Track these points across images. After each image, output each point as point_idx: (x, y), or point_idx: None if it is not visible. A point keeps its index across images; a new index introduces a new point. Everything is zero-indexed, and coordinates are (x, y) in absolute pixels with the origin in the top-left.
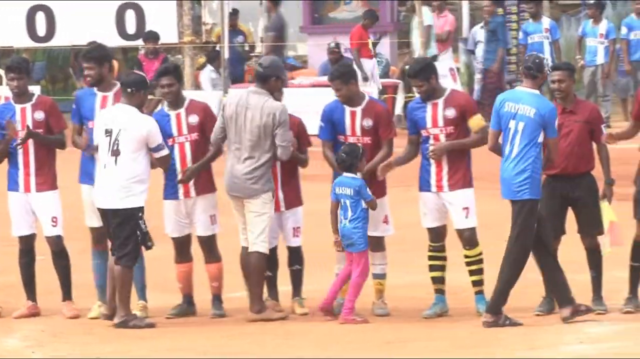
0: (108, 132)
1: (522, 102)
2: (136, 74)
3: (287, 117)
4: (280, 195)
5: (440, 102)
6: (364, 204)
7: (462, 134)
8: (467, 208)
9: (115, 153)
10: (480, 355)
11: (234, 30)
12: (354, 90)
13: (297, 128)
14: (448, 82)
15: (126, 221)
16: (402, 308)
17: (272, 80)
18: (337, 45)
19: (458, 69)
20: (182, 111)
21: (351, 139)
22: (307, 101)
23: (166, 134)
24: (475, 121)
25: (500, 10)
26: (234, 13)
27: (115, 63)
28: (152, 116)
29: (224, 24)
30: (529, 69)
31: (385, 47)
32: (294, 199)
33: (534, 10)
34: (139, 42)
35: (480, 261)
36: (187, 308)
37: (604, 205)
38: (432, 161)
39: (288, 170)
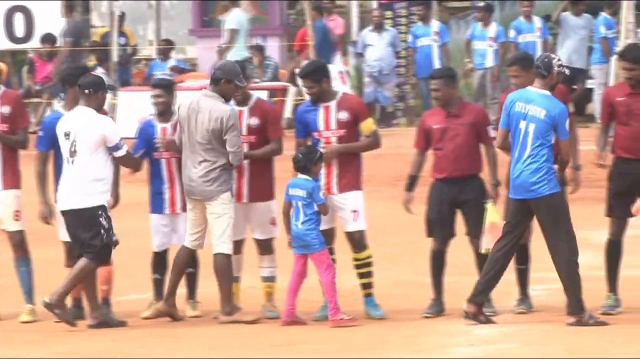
0: (67, 135)
1: (532, 102)
2: (93, 76)
3: (235, 121)
4: (179, 196)
5: (333, 105)
6: (315, 207)
7: (353, 137)
8: (356, 211)
9: (73, 154)
10: (369, 357)
11: (118, 32)
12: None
13: (268, 116)
14: (337, 85)
15: (88, 222)
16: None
17: (223, 83)
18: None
19: (348, 72)
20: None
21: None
22: None
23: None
24: (367, 125)
25: (389, 14)
26: (121, 16)
27: (3, 66)
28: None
29: (113, 27)
30: (537, 68)
31: (274, 50)
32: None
33: (423, 13)
34: (29, 45)
35: (370, 264)
36: (76, 311)
37: (488, 206)
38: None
39: (258, 162)
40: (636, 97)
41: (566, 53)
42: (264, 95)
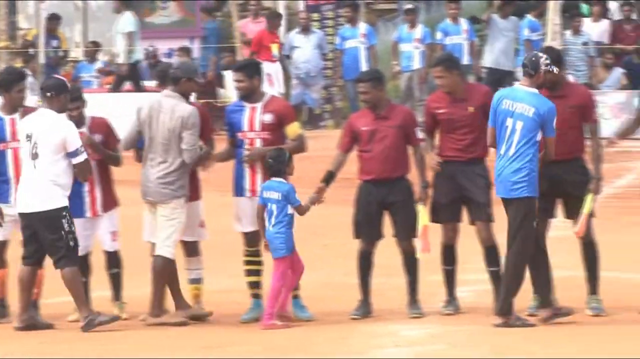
0: (28, 137)
1: (520, 100)
2: (56, 79)
3: (196, 120)
4: (99, 197)
5: (259, 106)
6: (290, 210)
7: (278, 140)
8: None
9: (34, 157)
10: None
11: (50, 35)
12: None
13: (202, 118)
14: (265, 87)
15: (51, 224)
16: (220, 312)
17: (183, 82)
18: (154, 50)
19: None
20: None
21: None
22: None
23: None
24: (293, 129)
25: (316, 16)
26: (56, 18)
27: None
28: None
29: (41, 29)
30: (525, 66)
31: (199, 52)
32: (110, 201)
33: (350, 15)
34: None
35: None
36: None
37: (420, 208)
38: (246, 166)
39: (102, 171)
40: (554, 101)
41: (494, 55)
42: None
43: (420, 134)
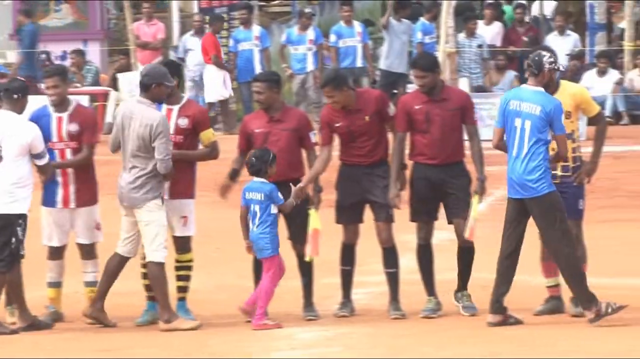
0: None
1: (526, 100)
2: (20, 81)
3: (165, 128)
4: (72, 191)
5: (176, 109)
6: (273, 209)
7: (192, 144)
8: (185, 217)
9: None
10: None
11: None
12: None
13: (86, 122)
14: (221, 90)
15: (5, 227)
16: (118, 315)
17: (153, 88)
18: (47, 54)
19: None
20: (65, 115)
21: (58, 145)
22: None
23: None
24: (207, 135)
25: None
26: None
27: None
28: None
29: None
30: (529, 66)
31: (95, 54)
32: (87, 196)
33: (246, 17)
34: None
35: (189, 268)
36: None
37: (311, 212)
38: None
39: (81, 168)
40: (433, 104)
41: (389, 58)
42: (84, 100)
43: (314, 138)
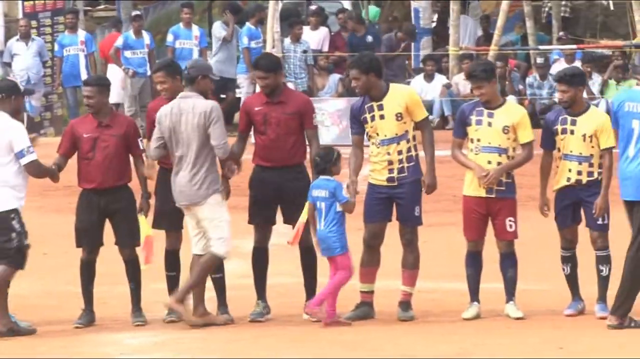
0: None
1: None
2: (7, 81)
3: (219, 113)
4: None
5: None
6: (338, 207)
7: None
8: None
9: None
10: None
11: None
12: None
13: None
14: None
15: (1, 225)
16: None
17: (199, 80)
18: None
19: None
20: None
21: None
22: None
23: None
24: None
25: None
26: None
27: None
28: None
29: None
30: (636, 67)
31: None
32: None
33: (72, 22)
34: None
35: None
36: None
37: (141, 218)
38: None
39: None
40: (272, 106)
41: (217, 63)
42: None
43: (142, 145)
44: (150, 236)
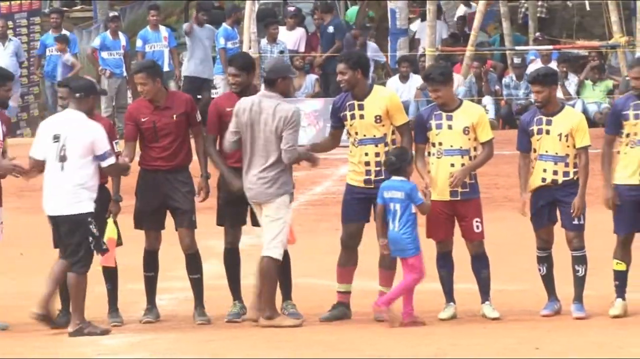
0: (56, 138)
1: None
2: (85, 79)
3: (297, 119)
4: None
5: None
6: (413, 209)
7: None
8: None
9: (62, 159)
10: None
11: None
12: None
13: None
14: None
15: (76, 227)
16: None
17: (279, 82)
18: None
19: None
20: None
21: None
22: None
23: None
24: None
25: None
26: None
27: None
28: None
29: None
30: None
31: None
32: None
33: (57, 22)
34: None
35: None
36: None
37: (109, 221)
38: None
39: None
40: None
41: (194, 63)
42: None
43: (117, 148)
44: (112, 238)
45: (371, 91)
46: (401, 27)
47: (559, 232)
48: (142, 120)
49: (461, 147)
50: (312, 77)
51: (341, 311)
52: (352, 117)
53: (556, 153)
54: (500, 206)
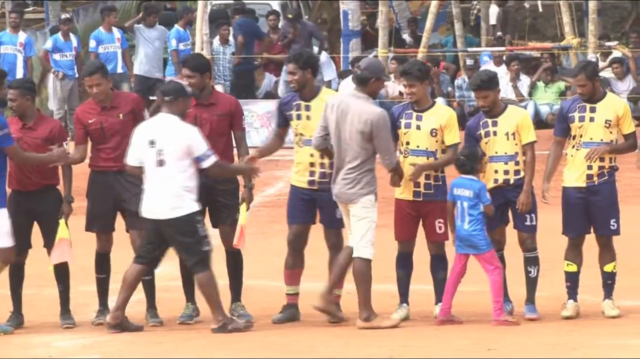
0: (152, 143)
1: None
2: (174, 82)
3: (385, 122)
4: None
5: None
6: (482, 208)
7: None
8: None
9: (161, 164)
10: None
11: None
12: None
13: None
14: None
15: (185, 229)
16: None
17: (372, 82)
18: None
19: None
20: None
21: None
22: None
23: None
24: None
25: None
26: None
27: None
28: None
29: None
30: None
31: None
32: None
33: (16, 21)
34: None
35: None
36: None
37: (61, 222)
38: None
39: None
40: (202, 108)
41: (142, 64)
42: None
43: (66, 147)
44: (65, 239)
45: (319, 93)
46: (354, 29)
47: (512, 234)
48: (90, 122)
49: (427, 148)
50: (270, 78)
51: (291, 313)
52: (299, 117)
53: (505, 153)
54: None
